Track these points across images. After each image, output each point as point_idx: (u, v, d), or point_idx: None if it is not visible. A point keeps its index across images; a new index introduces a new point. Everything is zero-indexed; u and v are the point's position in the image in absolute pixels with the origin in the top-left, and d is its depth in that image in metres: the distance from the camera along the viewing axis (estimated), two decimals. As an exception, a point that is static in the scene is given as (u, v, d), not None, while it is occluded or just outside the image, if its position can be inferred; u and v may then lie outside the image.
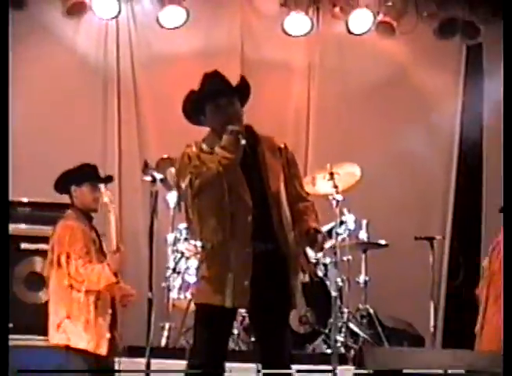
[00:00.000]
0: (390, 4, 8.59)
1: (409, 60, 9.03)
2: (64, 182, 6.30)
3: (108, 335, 6.13)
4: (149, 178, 6.50)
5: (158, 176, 6.50)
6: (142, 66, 8.61)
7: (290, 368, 5.02)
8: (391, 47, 8.94)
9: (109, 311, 6.23)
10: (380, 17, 8.53)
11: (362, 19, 8.56)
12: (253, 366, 5.41)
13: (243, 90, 4.97)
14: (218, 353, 4.90)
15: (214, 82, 4.99)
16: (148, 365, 6.03)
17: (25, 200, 7.58)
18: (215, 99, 4.90)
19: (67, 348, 6.07)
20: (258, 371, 5.06)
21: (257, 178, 4.91)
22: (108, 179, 6.49)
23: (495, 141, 8.63)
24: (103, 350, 6.06)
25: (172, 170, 6.71)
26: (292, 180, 4.99)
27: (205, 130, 4.92)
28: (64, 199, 6.45)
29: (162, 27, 8.30)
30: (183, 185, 4.88)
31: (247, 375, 5.81)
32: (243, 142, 4.80)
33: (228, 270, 4.81)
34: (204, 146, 4.85)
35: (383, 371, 5.03)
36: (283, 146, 4.95)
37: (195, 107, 4.94)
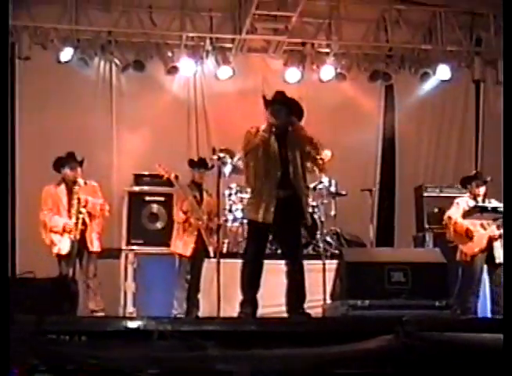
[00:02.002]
0: (343, 63, 10.40)
1: (353, 94, 10.64)
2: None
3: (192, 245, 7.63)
4: (215, 157, 7.64)
5: (221, 155, 7.68)
6: (208, 101, 10.23)
7: (302, 262, 5.69)
8: (344, 87, 10.58)
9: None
10: (338, 70, 10.32)
11: (327, 72, 10.29)
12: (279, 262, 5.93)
13: (290, 104, 5.85)
14: (260, 251, 5.72)
15: (277, 96, 5.92)
16: (218, 263, 6.98)
17: (146, 173, 8.91)
18: (273, 105, 5.82)
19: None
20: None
21: (285, 150, 5.69)
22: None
23: (402, 137, 10.78)
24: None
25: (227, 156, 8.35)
26: (305, 159, 5.76)
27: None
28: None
29: (218, 78, 10.19)
30: (244, 148, 5.80)
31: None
32: (273, 129, 5.69)
33: (262, 201, 5.56)
34: (261, 129, 5.74)
35: (356, 262, 5.65)
36: (307, 138, 5.79)
37: (268, 105, 5.83)
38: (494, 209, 7.24)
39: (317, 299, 6.55)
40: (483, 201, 8.00)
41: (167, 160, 8.32)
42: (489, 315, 7.73)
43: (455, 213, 7.92)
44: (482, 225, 7.82)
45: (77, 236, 7.06)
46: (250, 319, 5.12)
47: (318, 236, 8.80)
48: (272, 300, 5.94)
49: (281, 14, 9.68)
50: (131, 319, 5.35)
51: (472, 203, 7.99)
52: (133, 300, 8.28)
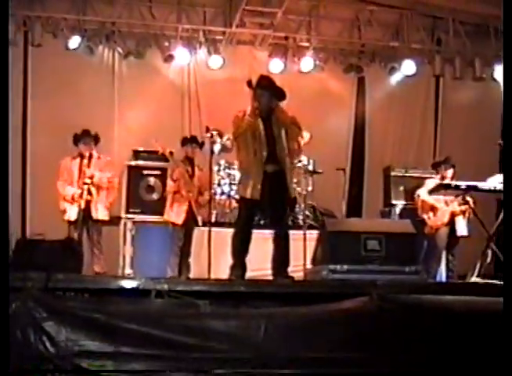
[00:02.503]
0: (321, 56, 10.28)
1: (330, 84, 10.60)
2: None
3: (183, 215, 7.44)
4: (208, 135, 7.48)
5: (214, 133, 7.48)
6: (200, 86, 10.08)
7: (287, 230, 5.66)
8: (321, 78, 10.46)
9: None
10: (317, 63, 10.17)
11: (307, 64, 10.10)
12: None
13: (272, 88, 5.73)
14: (249, 221, 5.68)
15: (260, 81, 5.78)
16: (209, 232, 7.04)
17: (141, 149, 8.65)
18: (257, 89, 5.68)
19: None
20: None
21: (270, 130, 5.60)
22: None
23: (372, 123, 10.67)
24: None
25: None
26: (289, 137, 5.64)
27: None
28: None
29: (209, 67, 9.96)
30: (235, 136, 5.72)
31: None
32: (257, 112, 5.55)
33: (250, 179, 5.49)
34: (247, 112, 5.61)
35: (337, 231, 5.61)
36: (289, 117, 5.71)
37: (252, 90, 5.71)
38: (456, 186, 7.08)
39: (298, 264, 6.39)
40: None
41: (163, 138, 8.19)
42: (444, 279, 7.71)
43: (423, 192, 7.95)
44: (446, 202, 7.82)
45: (82, 205, 6.91)
46: (239, 280, 4.96)
47: (297, 209, 8.67)
48: (259, 265, 5.80)
49: (267, 10, 9.55)
50: (131, 278, 5.23)
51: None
52: (131, 263, 8.13)
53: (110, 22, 9.79)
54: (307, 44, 10.30)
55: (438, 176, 8.13)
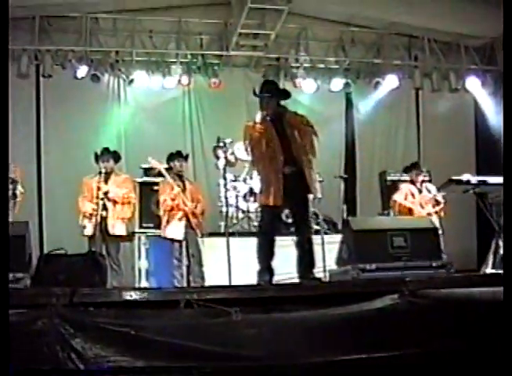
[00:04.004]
0: (312, 74, 9.72)
1: (321, 100, 9.88)
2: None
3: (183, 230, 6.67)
4: (221, 144, 7.29)
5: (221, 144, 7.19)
6: (201, 106, 9.61)
7: (310, 232, 5.14)
8: (314, 95, 9.79)
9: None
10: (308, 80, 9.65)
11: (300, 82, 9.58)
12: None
13: (276, 92, 5.16)
14: (273, 225, 5.01)
15: (263, 87, 5.21)
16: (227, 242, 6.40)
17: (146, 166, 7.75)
18: (262, 97, 5.07)
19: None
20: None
21: (283, 133, 4.97)
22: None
23: (360, 134, 10.27)
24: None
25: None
26: (303, 135, 5.01)
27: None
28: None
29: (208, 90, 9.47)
30: (246, 142, 5.04)
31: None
32: (268, 118, 4.96)
33: (271, 187, 4.87)
34: (257, 120, 4.98)
35: (363, 230, 4.95)
36: (299, 116, 5.15)
37: (258, 98, 5.12)
38: (467, 182, 6.32)
39: (318, 266, 5.54)
40: (421, 185, 7.63)
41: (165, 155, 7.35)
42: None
43: (399, 196, 7.52)
44: (421, 205, 7.47)
45: (98, 220, 6.28)
46: (268, 285, 4.30)
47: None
48: (282, 269, 5.05)
49: (262, 32, 9.04)
50: (159, 289, 4.53)
51: (413, 187, 7.61)
52: (146, 276, 7.42)
53: (114, 51, 9.34)
54: (297, 64, 9.81)
55: (409, 180, 7.75)
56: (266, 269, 4.65)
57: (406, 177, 8.13)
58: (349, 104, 10.29)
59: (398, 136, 10.48)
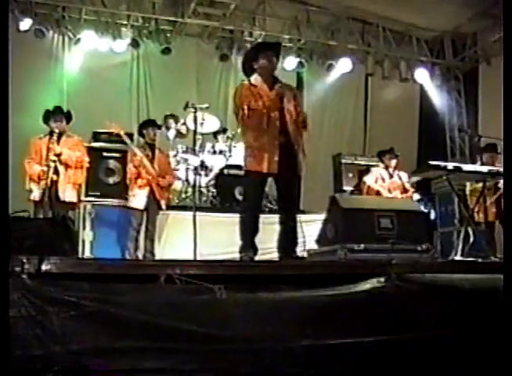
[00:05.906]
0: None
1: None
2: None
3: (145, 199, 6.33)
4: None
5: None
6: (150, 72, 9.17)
7: (296, 210, 4.69)
8: None
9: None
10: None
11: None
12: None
13: (275, 47, 4.72)
14: (259, 198, 4.65)
15: (277, 45, 4.78)
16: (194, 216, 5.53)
17: (101, 130, 7.14)
18: (266, 51, 4.56)
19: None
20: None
21: (278, 99, 4.48)
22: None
23: (310, 116, 8.87)
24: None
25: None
26: (296, 106, 4.62)
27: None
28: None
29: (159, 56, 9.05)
30: (244, 106, 4.42)
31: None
32: (264, 78, 4.49)
33: (265, 152, 4.42)
34: (253, 82, 4.51)
35: (351, 209, 4.77)
36: (293, 88, 4.86)
37: (253, 56, 4.58)
38: (444, 167, 5.81)
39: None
40: (393, 171, 7.52)
41: (119, 121, 6.90)
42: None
43: (369, 179, 7.43)
44: (389, 190, 7.37)
45: (48, 184, 5.64)
46: (253, 263, 3.96)
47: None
48: (264, 245, 4.57)
49: (221, 0, 8.72)
50: (138, 261, 4.04)
51: (384, 172, 7.51)
52: (90, 248, 6.73)
53: (61, 6, 8.62)
54: (252, 39, 9.48)
55: (383, 165, 7.59)
56: (250, 245, 4.32)
57: (361, 161, 8.07)
58: (300, 84, 9.98)
59: (346, 120, 10.41)
